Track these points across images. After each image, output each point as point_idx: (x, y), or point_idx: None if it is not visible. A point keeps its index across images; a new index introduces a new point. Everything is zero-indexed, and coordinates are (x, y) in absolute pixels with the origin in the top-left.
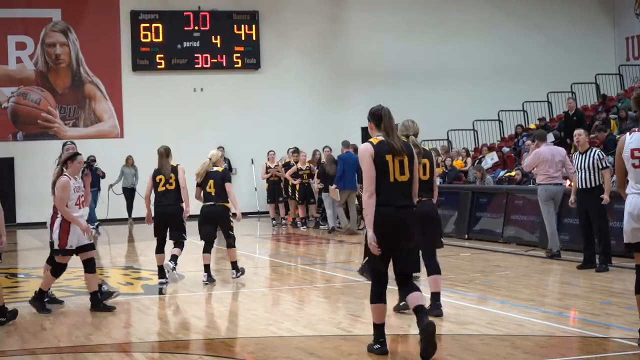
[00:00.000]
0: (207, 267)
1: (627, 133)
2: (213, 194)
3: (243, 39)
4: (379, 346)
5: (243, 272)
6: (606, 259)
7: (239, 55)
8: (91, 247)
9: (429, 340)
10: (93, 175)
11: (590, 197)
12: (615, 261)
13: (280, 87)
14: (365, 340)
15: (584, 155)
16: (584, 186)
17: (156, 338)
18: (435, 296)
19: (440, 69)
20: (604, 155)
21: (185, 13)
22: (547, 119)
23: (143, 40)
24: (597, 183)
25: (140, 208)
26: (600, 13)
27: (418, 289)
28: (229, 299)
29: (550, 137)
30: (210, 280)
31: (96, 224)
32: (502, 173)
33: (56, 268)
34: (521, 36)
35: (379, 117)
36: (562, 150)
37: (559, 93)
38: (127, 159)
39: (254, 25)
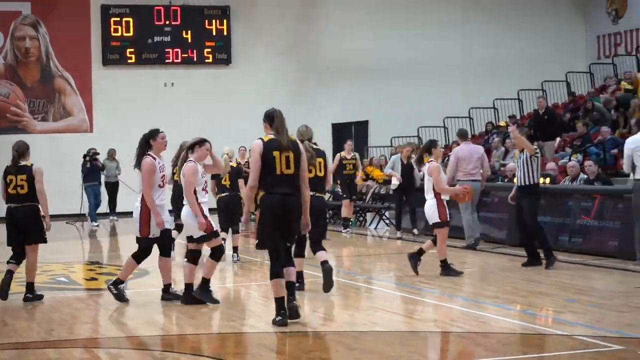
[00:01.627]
0: (235, 249)
1: None
2: (228, 185)
3: (214, 34)
4: (280, 318)
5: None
6: (547, 254)
7: (209, 50)
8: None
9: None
10: (95, 168)
11: (524, 194)
12: (580, 258)
13: (251, 83)
14: (329, 337)
15: (521, 154)
16: (519, 184)
17: (118, 334)
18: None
19: (411, 65)
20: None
21: (156, 7)
22: (518, 116)
23: (113, 34)
24: (532, 181)
25: (125, 203)
26: (572, 12)
27: (293, 265)
28: None
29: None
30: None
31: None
32: None
33: (216, 252)
34: (493, 33)
35: (272, 117)
36: (480, 149)
37: (530, 90)
38: (110, 152)
39: (225, 20)
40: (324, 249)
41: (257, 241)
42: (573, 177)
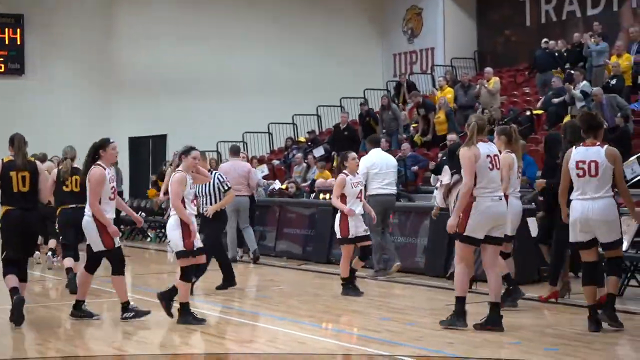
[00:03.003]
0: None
1: (573, 147)
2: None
3: (7, 42)
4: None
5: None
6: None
7: (2, 59)
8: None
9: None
10: None
11: (209, 220)
12: (389, 275)
13: (46, 95)
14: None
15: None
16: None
17: None
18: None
19: (211, 80)
20: (225, 179)
21: None
22: (317, 133)
23: None
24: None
25: None
26: (370, 30)
27: (26, 281)
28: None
29: (320, 150)
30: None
31: None
32: (273, 186)
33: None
34: (293, 49)
35: (12, 140)
36: (245, 166)
37: (329, 107)
38: None
39: (18, 29)
40: (73, 257)
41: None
42: None
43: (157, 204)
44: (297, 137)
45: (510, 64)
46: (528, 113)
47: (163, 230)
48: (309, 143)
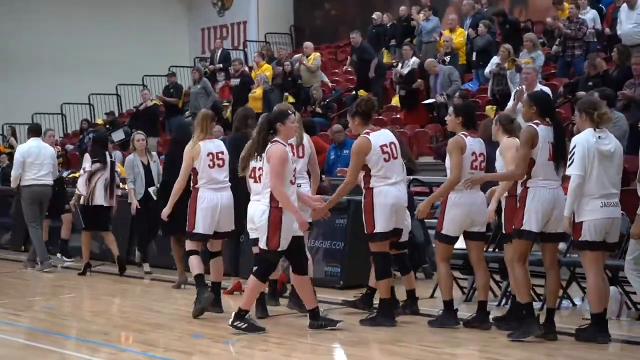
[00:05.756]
0: None
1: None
2: None
3: None
4: None
5: None
6: None
7: None
8: None
9: None
10: None
11: None
12: None
13: None
14: None
15: None
16: None
17: None
18: None
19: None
20: None
21: None
22: (117, 114)
23: None
24: None
25: None
26: (176, 4)
27: None
28: None
29: (120, 134)
30: None
31: None
32: (66, 173)
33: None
34: (91, 24)
35: None
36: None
37: (130, 85)
38: None
39: None
40: None
41: None
42: None
43: None
44: (95, 119)
45: (330, 39)
46: (353, 93)
47: None
48: (107, 126)
